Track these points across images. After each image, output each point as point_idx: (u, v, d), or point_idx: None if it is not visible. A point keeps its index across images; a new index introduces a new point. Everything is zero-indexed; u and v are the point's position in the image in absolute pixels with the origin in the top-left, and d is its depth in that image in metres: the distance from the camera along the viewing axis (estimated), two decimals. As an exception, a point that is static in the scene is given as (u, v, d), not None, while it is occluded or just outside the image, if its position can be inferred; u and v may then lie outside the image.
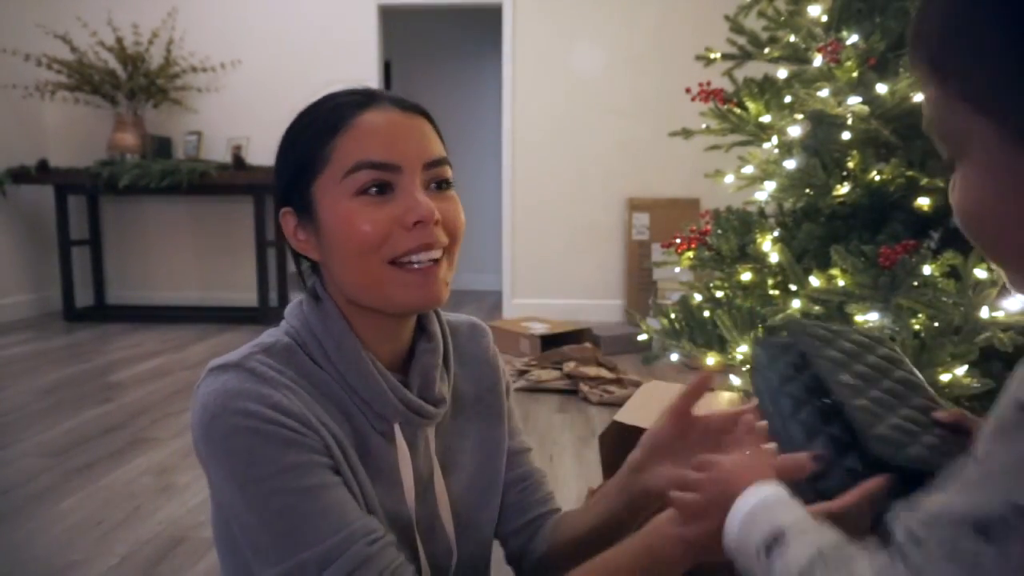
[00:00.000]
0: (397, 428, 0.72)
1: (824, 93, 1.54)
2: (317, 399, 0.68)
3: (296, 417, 0.63)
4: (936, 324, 1.37)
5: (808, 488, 0.57)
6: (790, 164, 1.77)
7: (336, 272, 0.70)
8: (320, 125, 0.69)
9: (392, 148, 0.67)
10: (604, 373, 2.94)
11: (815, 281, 1.55)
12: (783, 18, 1.91)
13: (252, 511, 0.62)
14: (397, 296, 0.68)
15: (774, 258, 1.73)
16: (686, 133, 2.09)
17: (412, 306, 0.70)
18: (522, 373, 3.08)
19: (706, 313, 1.75)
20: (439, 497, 0.77)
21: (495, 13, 4.56)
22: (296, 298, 0.76)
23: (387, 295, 0.68)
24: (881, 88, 1.48)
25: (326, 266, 0.71)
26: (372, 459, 0.71)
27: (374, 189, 0.66)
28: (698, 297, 1.91)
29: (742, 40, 2.04)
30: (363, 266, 0.67)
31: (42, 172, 4.19)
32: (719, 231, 1.86)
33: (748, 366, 1.56)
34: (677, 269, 1.99)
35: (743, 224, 1.86)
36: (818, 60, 1.61)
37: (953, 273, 1.39)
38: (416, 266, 0.67)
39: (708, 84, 1.94)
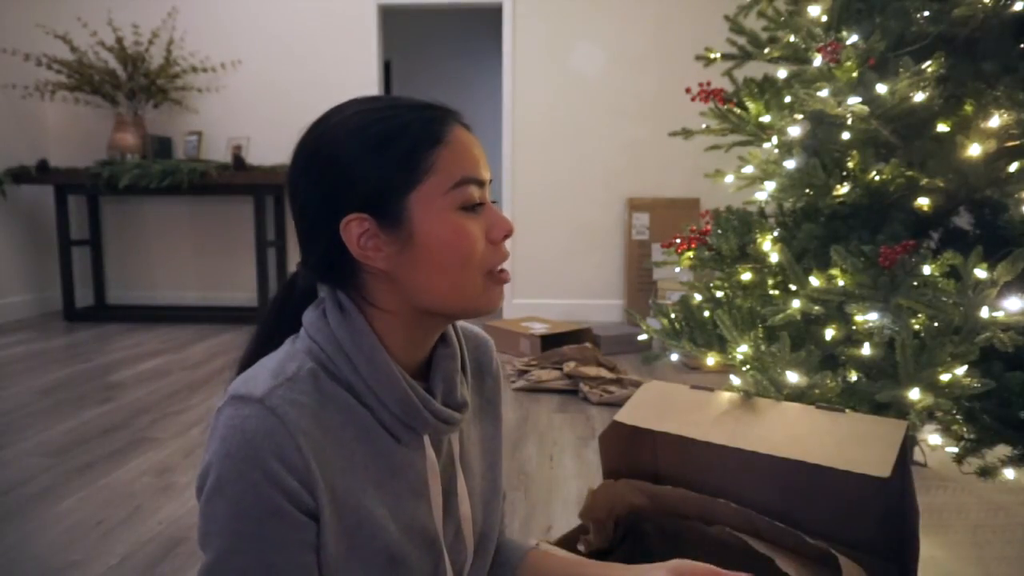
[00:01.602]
0: (426, 439, 0.73)
1: (824, 93, 1.54)
2: (333, 428, 0.67)
3: (299, 474, 0.63)
4: (936, 324, 1.37)
5: None
6: (790, 164, 1.77)
7: (416, 282, 0.69)
8: (417, 135, 0.68)
9: (480, 166, 0.70)
10: (604, 373, 2.94)
11: (815, 281, 1.55)
12: (783, 18, 1.91)
13: (215, 552, 0.63)
14: (482, 304, 0.72)
15: (774, 258, 1.73)
16: (686, 133, 2.09)
17: (487, 312, 0.74)
18: (522, 373, 3.08)
19: (706, 313, 1.75)
20: (461, 503, 0.78)
21: (495, 13, 4.56)
22: (315, 308, 0.73)
23: (474, 303, 0.71)
24: (881, 88, 1.48)
25: (396, 276, 0.69)
26: (399, 474, 0.71)
27: (472, 205, 0.69)
28: (698, 297, 1.91)
29: (742, 40, 2.04)
30: (462, 277, 0.69)
31: (42, 172, 4.19)
32: (719, 231, 1.86)
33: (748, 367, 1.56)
34: (677, 269, 1.99)
35: (743, 224, 1.86)
36: (818, 60, 1.61)
37: (953, 273, 1.39)
38: (503, 276, 0.73)
39: (708, 84, 1.94)
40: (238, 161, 4.18)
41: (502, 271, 0.72)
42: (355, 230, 0.68)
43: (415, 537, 0.72)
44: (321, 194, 0.69)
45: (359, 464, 0.69)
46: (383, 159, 0.67)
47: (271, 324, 0.78)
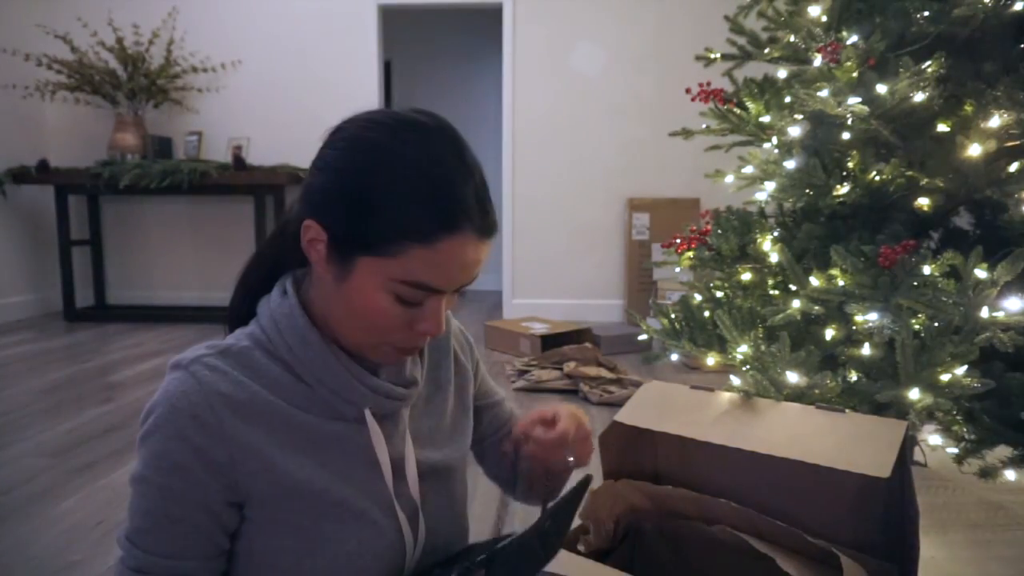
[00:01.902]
0: (368, 413, 0.76)
1: (824, 93, 1.54)
2: (261, 404, 0.71)
3: (210, 430, 0.68)
4: (936, 324, 1.37)
5: None
6: (790, 164, 1.77)
7: (331, 307, 0.73)
8: (413, 222, 0.66)
9: (451, 279, 0.69)
10: (604, 373, 2.94)
11: (815, 281, 1.55)
12: (783, 18, 1.91)
13: (133, 491, 0.72)
14: (373, 358, 0.76)
15: (774, 258, 1.73)
16: (686, 133, 2.09)
17: (381, 365, 0.78)
18: (522, 373, 3.08)
19: (706, 313, 1.75)
20: (409, 472, 0.80)
21: (495, 13, 4.56)
22: (267, 296, 0.79)
23: (368, 354, 0.75)
24: (881, 88, 1.48)
25: (323, 287, 0.73)
26: (343, 445, 0.75)
27: (409, 302, 0.70)
28: (698, 297, 1.91)
29: (742, 40, 2.04)
30: (364, 336, 0.73)
31: (42, 172, 4.19)
32: (719, 231, 1.86)
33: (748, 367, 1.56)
34: (677, 269, 1.99)
35: (743, 224, 1.86)
36: (818, 60, 1.61)
37: (953, 273, 1.39)
38: (409, 350, 0.76)
39: (708, 84, 1.94)
40: (238, 161, 4.18)
41: (411, 347, 0.75)
42: (310, 234, 0.71)
43: (370, 498, 0.75)
44: (324, 180, 0.71)
45: (297, 434, 0.72)
46: (370, 213, 0.67)
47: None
